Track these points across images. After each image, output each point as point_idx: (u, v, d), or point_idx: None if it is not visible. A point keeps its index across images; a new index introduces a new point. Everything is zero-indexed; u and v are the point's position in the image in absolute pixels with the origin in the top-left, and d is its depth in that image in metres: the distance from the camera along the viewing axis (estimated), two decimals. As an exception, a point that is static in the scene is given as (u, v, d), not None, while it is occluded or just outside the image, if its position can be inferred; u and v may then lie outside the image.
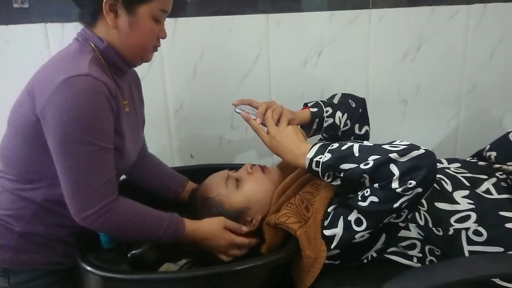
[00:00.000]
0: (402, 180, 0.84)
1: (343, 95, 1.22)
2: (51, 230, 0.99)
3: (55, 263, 1.02)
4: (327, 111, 1.15)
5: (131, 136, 1.02)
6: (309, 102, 1.18)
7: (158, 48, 1.01)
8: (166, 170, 1.25)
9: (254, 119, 1.07)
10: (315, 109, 1.15)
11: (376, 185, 0.87)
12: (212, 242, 0.99)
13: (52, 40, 1.35)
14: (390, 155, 0.85)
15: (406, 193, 0.85)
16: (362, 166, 0.88)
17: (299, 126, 1.13)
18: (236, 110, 1.11)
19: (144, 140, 1.23)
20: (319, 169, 0.94)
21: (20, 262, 0.99)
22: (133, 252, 0.93)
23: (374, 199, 0.88)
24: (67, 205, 0.89)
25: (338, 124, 1.16)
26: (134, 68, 1.06)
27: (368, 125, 1.22)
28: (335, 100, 1.19)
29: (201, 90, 1.43)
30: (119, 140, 0.95)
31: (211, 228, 1.00)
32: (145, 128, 1.33)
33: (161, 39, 1.00)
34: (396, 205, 0.86)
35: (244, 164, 1.14)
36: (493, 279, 0.91)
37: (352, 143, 0.94)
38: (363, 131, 1.20)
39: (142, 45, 0.96)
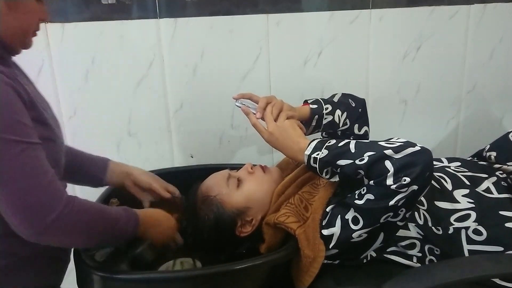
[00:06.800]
0: (397, 177, 0.83)
1: (343, 94, 1.22)
2: (31, 248, 0.84)
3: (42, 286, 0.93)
4: (326, 108, 1.15)
5: (54, 121, 0.92)
6: (309, 99, 1.18)
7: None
8: (85, 156, 1.11)
9: (254, 114, 1.07)
10: (314, 106, 1.15)
11: (371, 182, 0.87)
12: (160, 227, 0.96)
13: (52, 40, 1.35)
14: (385, 151, 0.86)
15: (401, 190, 0.84)
16: (357, 162, 0.88)
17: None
18: (237, 104, 1.11)
19: None
20: (317, 166, 0.94)
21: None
22: (132, 251, 0.93)
23: (370, 196, 0.88)
24: None
25: (337, 122, 1.16)
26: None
27: (368, 125, 1.22)
28: (335, 99, 1.20)
29: (201, 90, 1.43)
30: (46, 129, 0.85)
31: (157, 212, 0.98)
32: (145, 128, 1.33)
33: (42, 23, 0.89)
34: (391, 202, 0.86)
35: (244, 164, 1.14)
36: (493, 279, 0.91)
37: (349, 140, 0.94)
38: (362, 131, 1.20)
39: (24, 27, 0.85)
